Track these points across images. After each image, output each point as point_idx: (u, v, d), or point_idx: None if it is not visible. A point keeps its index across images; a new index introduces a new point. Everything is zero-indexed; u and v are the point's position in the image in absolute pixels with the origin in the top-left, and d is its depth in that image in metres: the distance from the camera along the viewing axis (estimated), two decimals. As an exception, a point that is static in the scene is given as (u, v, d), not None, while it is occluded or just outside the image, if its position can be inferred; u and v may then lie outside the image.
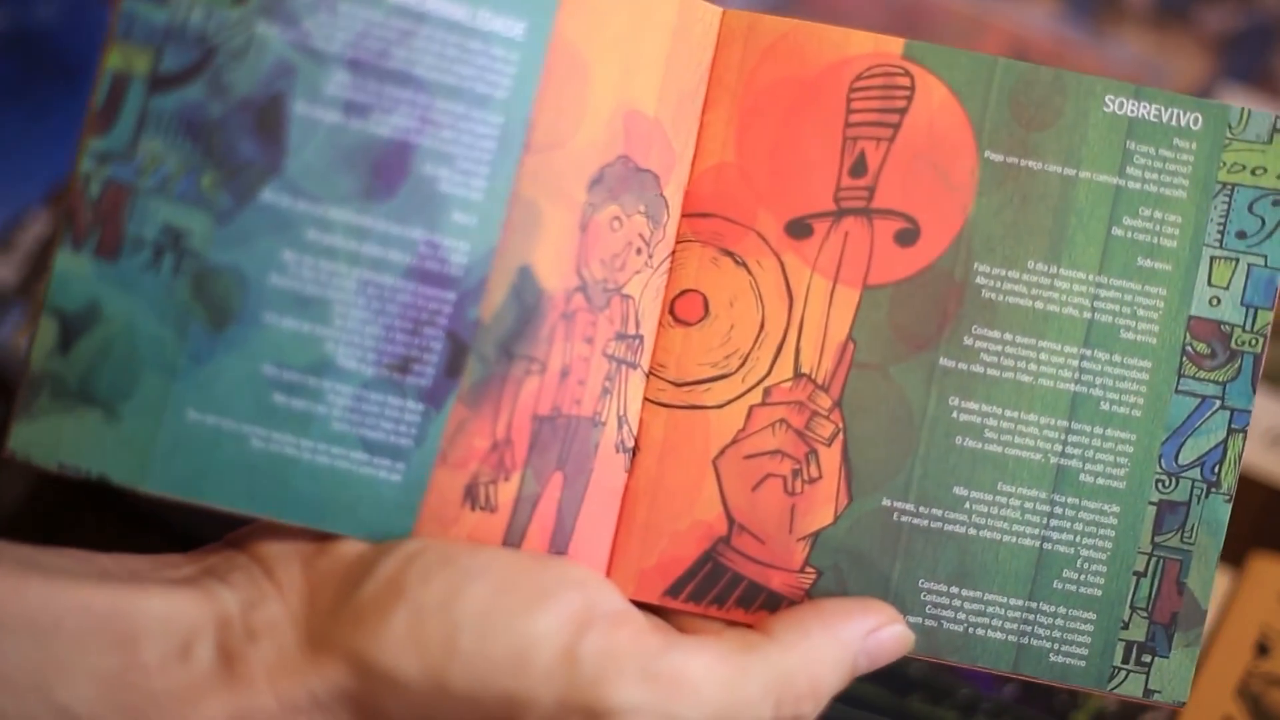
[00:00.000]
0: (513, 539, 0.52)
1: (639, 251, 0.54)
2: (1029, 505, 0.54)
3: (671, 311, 0.55)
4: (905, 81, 0.55)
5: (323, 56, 0.51)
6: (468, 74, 0.52)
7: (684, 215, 0.55)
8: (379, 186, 0.51)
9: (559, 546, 0.53)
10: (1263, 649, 0.71)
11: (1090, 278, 0.54)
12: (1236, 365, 0.54)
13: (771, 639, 0.51)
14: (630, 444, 0.54)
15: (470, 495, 0.52)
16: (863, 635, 0.52)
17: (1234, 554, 0.74)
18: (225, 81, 0.51)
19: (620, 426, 0.54)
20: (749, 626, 0.53)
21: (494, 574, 0.49)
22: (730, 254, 0.55)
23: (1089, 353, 0.54)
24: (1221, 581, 0.73)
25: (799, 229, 0.55)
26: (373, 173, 0.51)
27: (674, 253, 0.55)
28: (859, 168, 0.55)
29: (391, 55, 0.52)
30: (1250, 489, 0.77)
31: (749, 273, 0.55)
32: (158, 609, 0.49)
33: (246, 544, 0.52)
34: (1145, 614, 0.54)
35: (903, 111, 0.55)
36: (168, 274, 0.51)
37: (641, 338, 0.54)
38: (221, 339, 0.51)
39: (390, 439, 0.52)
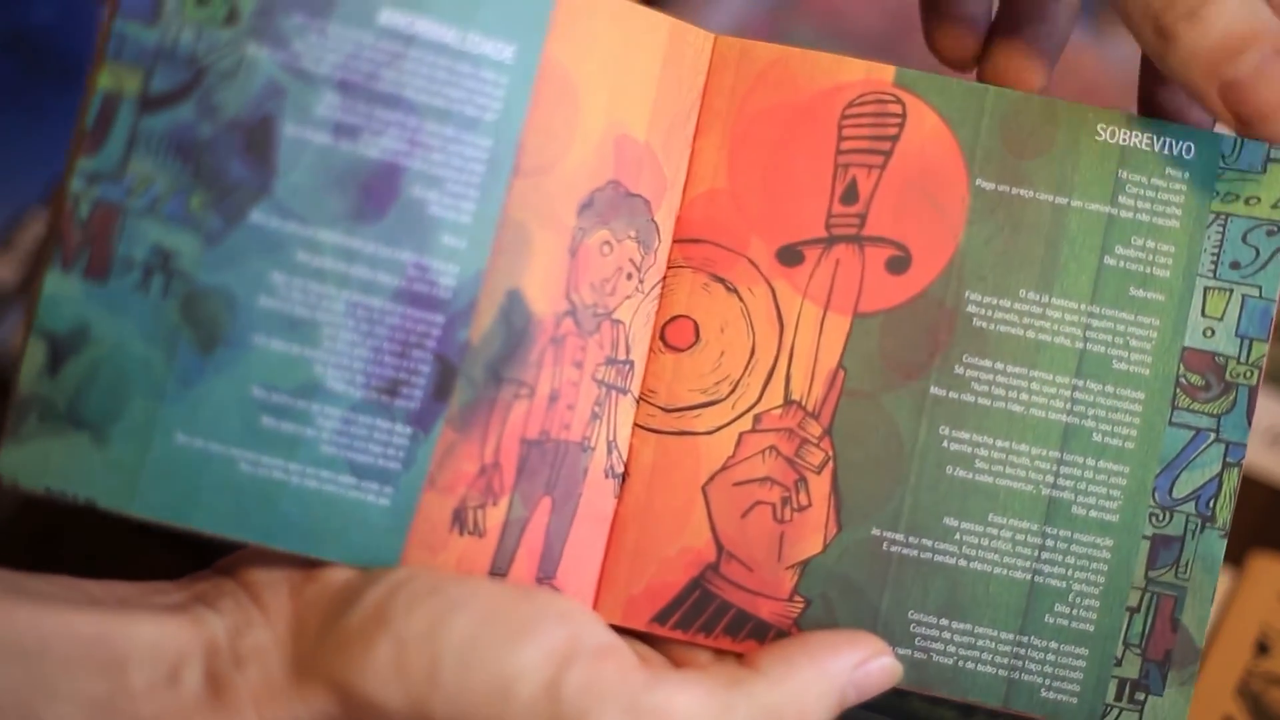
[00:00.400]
0: (500, 564, 0.52)
1: (629, 276, 0.54)
2: (1020, 537, 0.53)
3: (662, 337, 0.54)
4: (897, 109, 0.54)
5: (312, 78, 0.51)
6: (457, 96, 0.52)
7: (675, 241, 0.55)
8: (368, 208, 0.51)
9: (547, 571, 0.53)
10: (1263, 648, 0.71)
11: (1082, 307, 0.53)
12: (1231, 398, 0.53)
13: (758, 674, 0.50)
14: (620, 469, 0.54)
15: (458, 519, 0.52)
16: (850, 668, 0.51)
17: (1234, 554, 0.74)
18: (215, 102, 0.51)
19: (610, 452, 0.54)
20: (737, 655, 0.52)
21: (478, 605, 0.49)
22: (721, 280, 0.54)
23: (1081, 383, 0.53)
24: (1221, 581, 0.73)
25: (790, 256, 0.54)
26: (362, 194, 0.51)
27: (665, 278, 0.55)
28: (850, 195, 0.54)
29: (381, 77, 0.51)
30: (1250, 489, 0.77)
31: (740, 299, 0.54)
32: (146, 635, 0.49)
33: (235, 570, 0.52)
34: (1139, 650, 0.53)
35: (894, 139, 0.54)
36: (157, 295, 0.51)
37: (632, 363, 0.54)
38: (210, 361, 0.51)
39: (378, 463, 0.51)
